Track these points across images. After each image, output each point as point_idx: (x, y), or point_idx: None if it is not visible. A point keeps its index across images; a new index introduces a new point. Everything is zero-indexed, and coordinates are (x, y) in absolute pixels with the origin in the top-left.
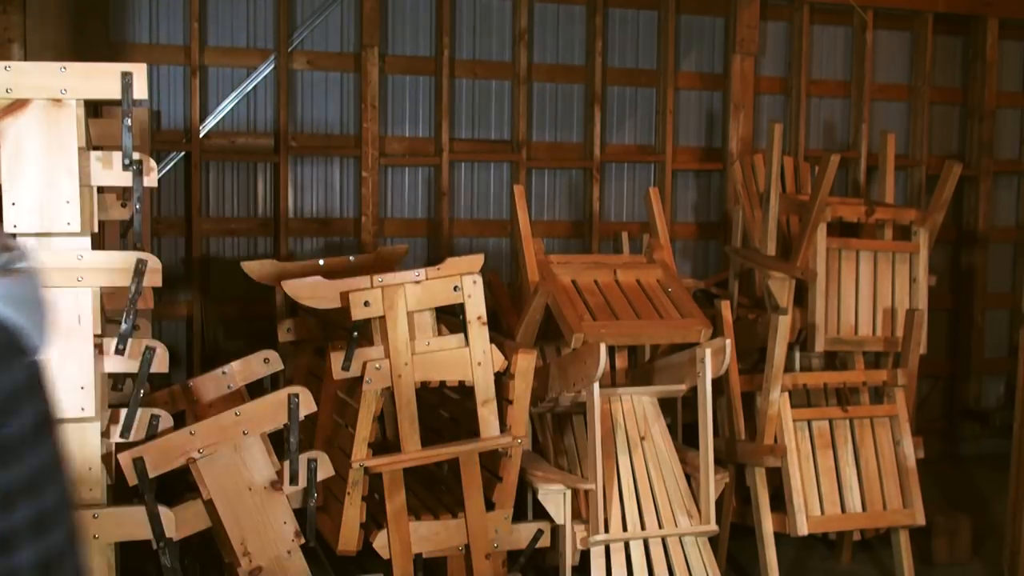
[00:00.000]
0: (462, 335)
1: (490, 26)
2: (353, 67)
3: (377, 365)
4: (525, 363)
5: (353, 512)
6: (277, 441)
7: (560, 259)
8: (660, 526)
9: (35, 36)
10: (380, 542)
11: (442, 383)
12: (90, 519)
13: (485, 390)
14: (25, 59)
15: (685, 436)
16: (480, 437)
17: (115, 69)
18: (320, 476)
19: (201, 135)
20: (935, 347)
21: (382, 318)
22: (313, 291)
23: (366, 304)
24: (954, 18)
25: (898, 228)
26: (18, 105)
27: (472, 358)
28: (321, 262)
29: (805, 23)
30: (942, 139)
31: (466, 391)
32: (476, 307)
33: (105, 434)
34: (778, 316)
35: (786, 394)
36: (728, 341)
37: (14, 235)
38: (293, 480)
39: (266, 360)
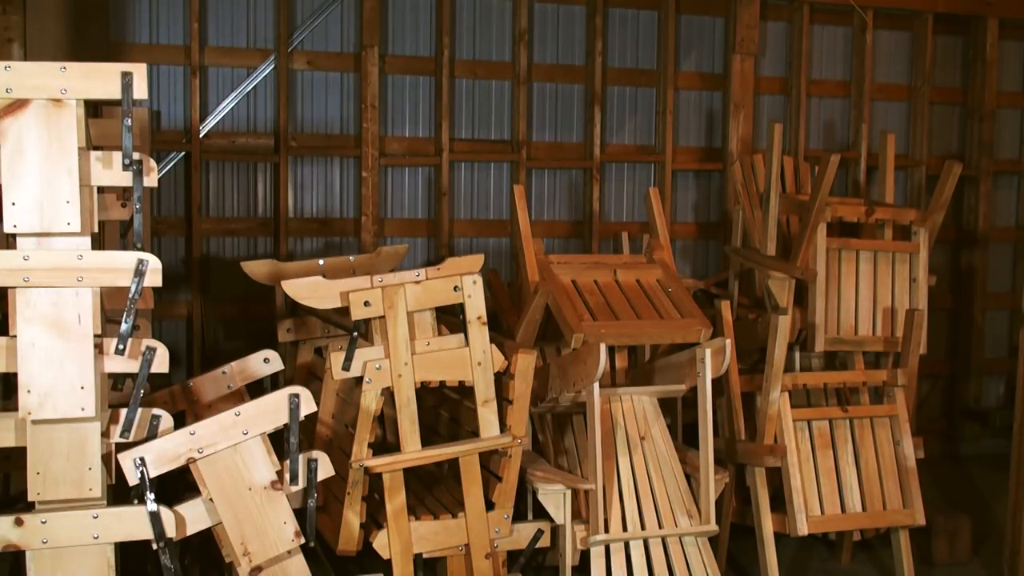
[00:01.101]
0: (462, 335)
1: (490, 26)
2: (353, 67)
3: (377, 365)
4: (525, 363)
5: (353, 512)
6: (277, 441)
7: (560, 259)
8: (660, 526)
9: (35, 36)
10: (380, 542)
11: (442, 383)
12: (90, 519)
13: (485, 390)
14: (25, 59)
15: (685, 436)
16: (480, 437)
17: (115, 69)
18: (320, 476)
19: (201, 135)
20: (935, 347)
21: (382, 318)
22: (313, 291)
23: (366, 304)
24: (954, 18)
25: (898, 228)
26: (18, 105)
27: (472, 358)
28: (321, 262)
29: (805, 23)
30: (942, 139)
31: (466, 391)
32: (476, 307)
33: (105, 434)
34: (778, 316)
35: (786, 394)
36: (728, 341)
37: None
38: (293, 480)
39: (266, 360)
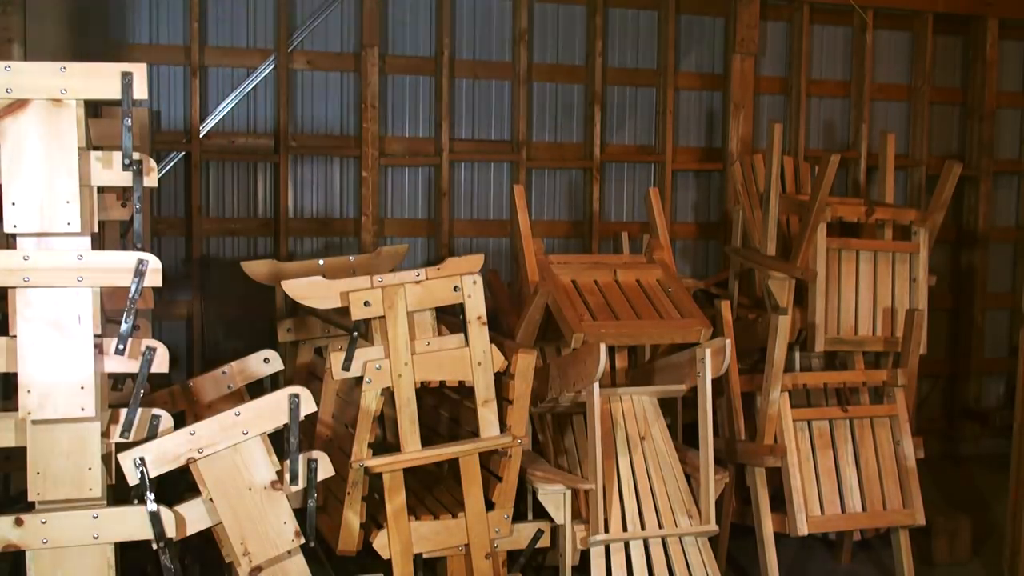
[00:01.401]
0: (462, 335)
1: (490, 26)
2: (353, 67)
3: (377, 365)
4: (525, 363)
5: (353, 512)
6: (277, 441)
7: (560, 259)
8: (660, 526)
9: (35, 36)
10: (380, 542)
11: (442, 383)
12: (90, 519)
13: (485, 390)
14: (25, 59)
15: (685, 436)
16: (480, 437)
17: (115, 69)
18: (320, 476)
19: (201, 135)
20: (935, 347)
21: (382, 318)
22: (313, 291)
23: (366, 304)
24: (954, 18)
25: (898, 228)
26: (18, 105)
27: (472, 358)
28: (321, 262)
29: (805, 23)
30: (942, 139)
31: (466, 391)
32: (476, 307)
33: (105, 434)
34: (778, 316)
35: (786, 394)
36: (728, 341)
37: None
38: (293, 480)
39: (266, 360)
